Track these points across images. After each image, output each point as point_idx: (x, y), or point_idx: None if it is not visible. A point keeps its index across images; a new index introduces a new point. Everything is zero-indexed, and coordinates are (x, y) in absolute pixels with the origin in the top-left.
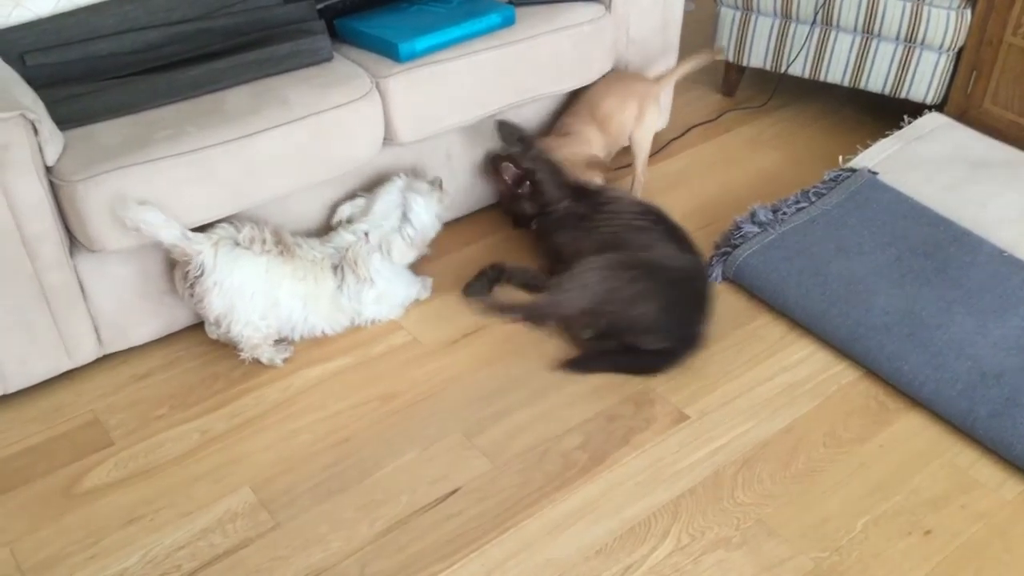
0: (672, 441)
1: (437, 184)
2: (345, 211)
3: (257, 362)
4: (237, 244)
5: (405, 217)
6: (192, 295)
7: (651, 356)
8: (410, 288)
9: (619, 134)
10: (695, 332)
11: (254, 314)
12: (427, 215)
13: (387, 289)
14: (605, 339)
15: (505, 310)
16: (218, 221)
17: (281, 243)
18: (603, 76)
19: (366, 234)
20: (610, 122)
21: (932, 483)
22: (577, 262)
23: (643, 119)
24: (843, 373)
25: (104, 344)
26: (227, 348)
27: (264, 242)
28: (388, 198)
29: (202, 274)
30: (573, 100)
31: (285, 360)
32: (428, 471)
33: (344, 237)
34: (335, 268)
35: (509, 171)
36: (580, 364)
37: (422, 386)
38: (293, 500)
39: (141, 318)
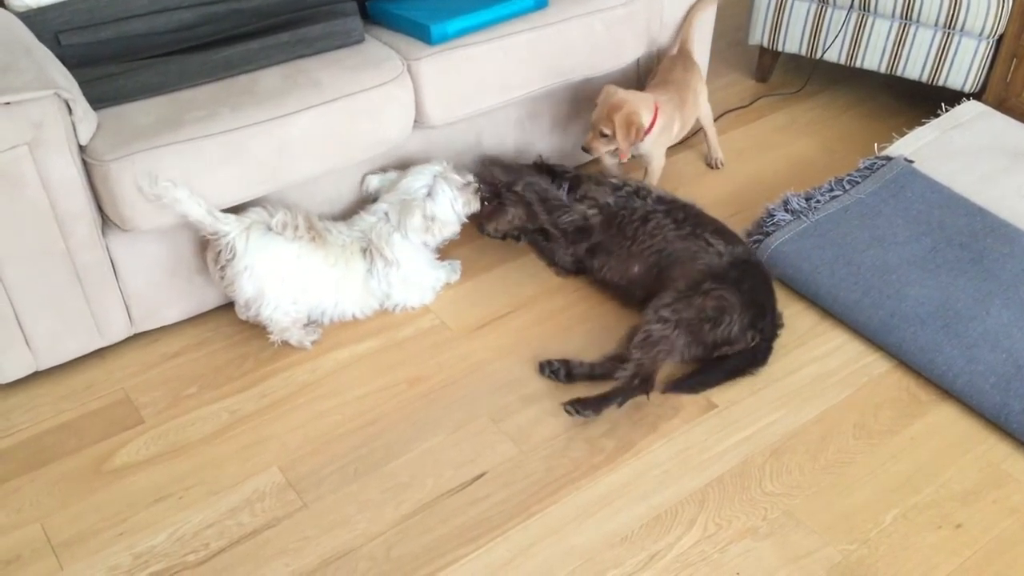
0: (700, 430)
1: (472, 188)
2: (373, 182)
3: (286, 344)
4: (270, 229)
5: (429, 197)
6: (223, 277)
7: (751, 351)
8: (436, 270)
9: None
10: (774, 314)
11: (284, 298)
12: (450, 207)
13: (412, 270)
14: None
15: (605, 402)
16: (250, 204)
17: (312, 229)
18: (678, 62)
19: (386, 214)
20: (693, 113)
21: (964, 477)
22: (628, 283)
23: (704, 93)
24: (875, 364)
25: (135, 323)
26: (257, 329)
27: (296, 228)
28: (418, 178)
29: (233, 257)
30: (659, 85)
31: (314, 343)
32: (454, 455)
33: (366, 220)
34: (364, 252)
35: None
36: (691, 385)
37: (449, 370)
38: (320, 481)
39: (172, 298)
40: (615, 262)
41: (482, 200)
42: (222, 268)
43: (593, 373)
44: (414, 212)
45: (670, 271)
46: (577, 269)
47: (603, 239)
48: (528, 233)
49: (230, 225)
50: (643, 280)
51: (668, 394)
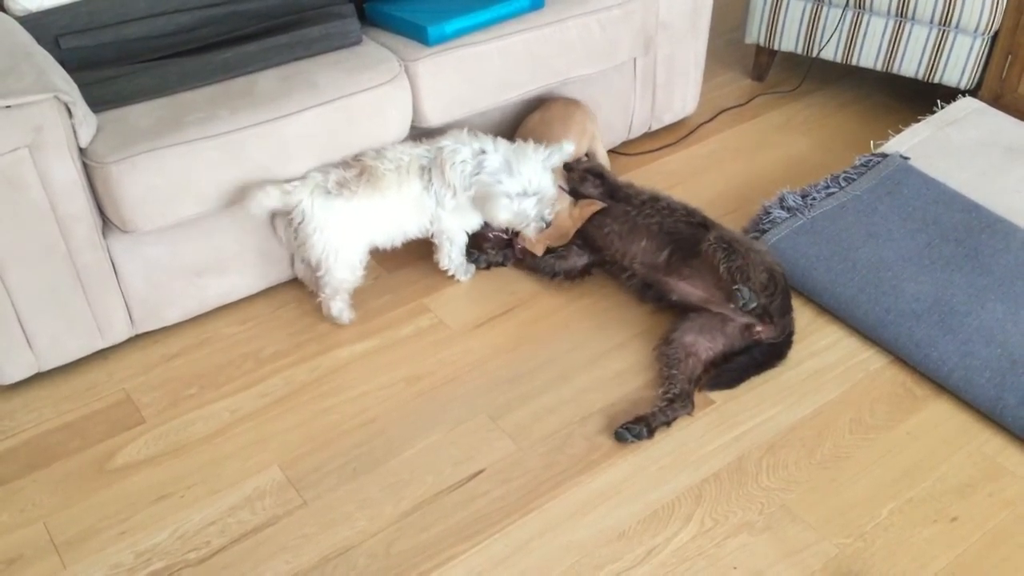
0: (697, 426)
1: (551, 211)
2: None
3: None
4: (328, 192)
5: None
6: (296, 238)
7: (773, 345)
8: (477, 217)
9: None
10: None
11: (355, 257)
12: (521, 207)
13: (463, 203)
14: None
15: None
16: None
17: (364, 173)
18: (548, 110)
19: (483, 151)
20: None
21: (959, 470)
22: (632, 256)
23: (597, 137)
24: (871, 359)
25: (136, 324)
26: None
27: (349, 183)
28: (529, 176)
29: (303, 220)
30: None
31: (351, 320)
32: (453, 452)
33: (455, 143)
34: (422, 170)
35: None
36: (727, 380)
37: (448, 368)
38: (320, 479)
39: (172, 298)
40: (619, 227)
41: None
42: (295, 231)
43: (667, 419)
44: (501, 205)
45: (689, 261)
46: (579, 273)
47: (609, 209)
48: (520, 258)
49: (299, 193)
50: (650, 256)
51: (707, 392)
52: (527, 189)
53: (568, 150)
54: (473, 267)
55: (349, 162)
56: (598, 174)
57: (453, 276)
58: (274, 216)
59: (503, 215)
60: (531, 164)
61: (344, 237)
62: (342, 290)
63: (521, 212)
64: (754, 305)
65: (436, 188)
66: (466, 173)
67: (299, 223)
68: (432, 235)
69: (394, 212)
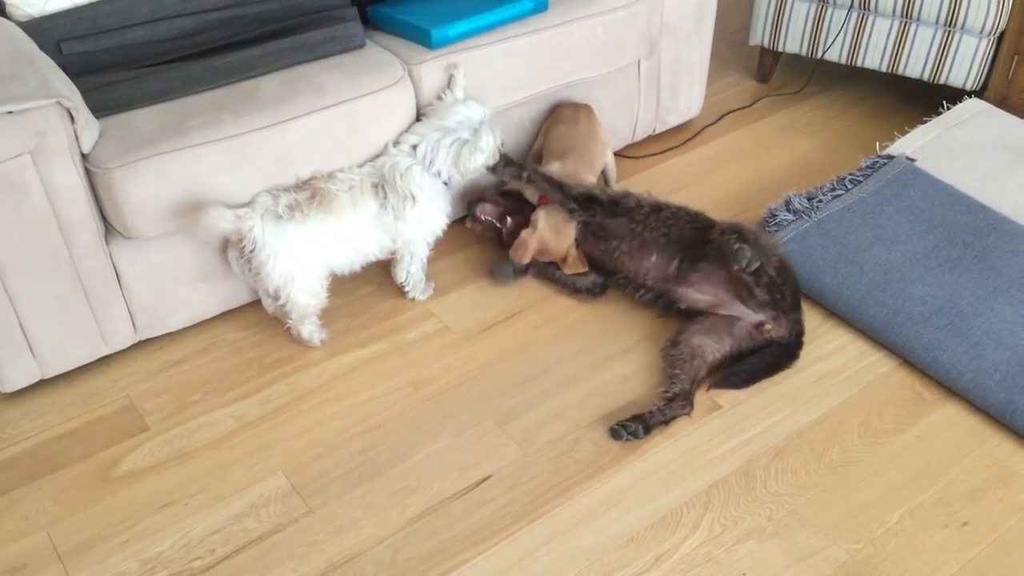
0: (704, 430)
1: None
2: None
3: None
4: (279, 216)
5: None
6: (250, 269)
7: (784, 347)
8: (446, 213)
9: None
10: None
11: (313, 279)
12: (482, 159)
13: (428, 208)
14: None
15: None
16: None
17: (315, 196)
18: (581, 112)
19: (414, 147)
20: (601, 161)
21: (969, 474)
22: (643, 270)
23: (608, 147)
24: (879, 363)
25: (139, 330)
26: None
27: (301, 205)
28: (464, 115)
29: (255, 248)
30: (556, 143)
31: (323, 341)
32: (460, 458)
33: (392, 155)
34: (375, 187)
35: (486, 210)
36: (736, 381)
37: (454, 373)
38: (326, 486)
39: (176, 305)
40: (627, 247)
41: (502, 215)
42: (248, 260)
43: (665, 418)
44: (472, 150)
45: (697, 265)
46: (601, 288)
47: (611, 223)
48: (539, 267)
49: (250, 219)
50: (662, 269)
51: (715, 391)
52: (470, 124)
53: (459, 76)
54: (431, 287)
55: (300, 184)
56: (590, 197)
57: (409, 294)
58: (226, 246)
59: (479, 160)
60: (455, 109)
61: (300, 263)
62: (308, 314)
63: (488, 147)
64: (757, 264)
65: (393, 203)
66: (427, 170)
67: (251, 251)
68: (394, 252)
69: (352, 234)
